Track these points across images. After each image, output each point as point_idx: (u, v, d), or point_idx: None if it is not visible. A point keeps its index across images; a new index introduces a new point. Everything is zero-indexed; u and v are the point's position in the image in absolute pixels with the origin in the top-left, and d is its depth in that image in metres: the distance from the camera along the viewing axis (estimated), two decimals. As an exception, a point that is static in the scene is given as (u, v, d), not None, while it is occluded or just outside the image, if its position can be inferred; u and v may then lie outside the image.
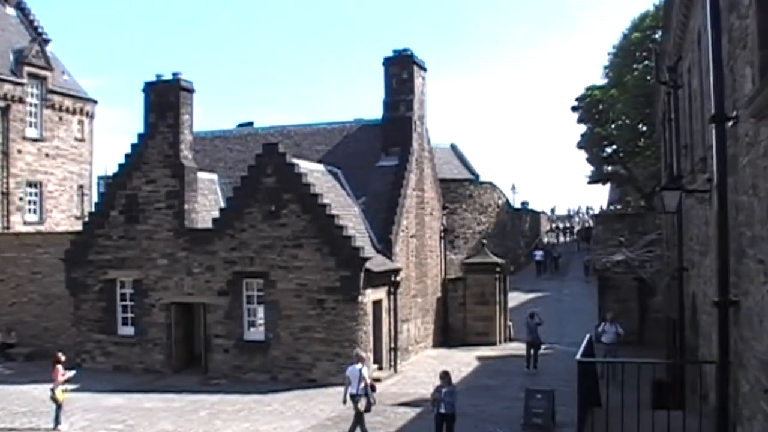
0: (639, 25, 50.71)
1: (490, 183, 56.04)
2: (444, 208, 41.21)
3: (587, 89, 55.58)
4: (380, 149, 34.85)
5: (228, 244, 30.42)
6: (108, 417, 24.12)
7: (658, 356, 27.22)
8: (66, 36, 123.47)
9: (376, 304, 30.54)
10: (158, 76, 32.23)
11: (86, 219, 35.48)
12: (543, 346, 32.53)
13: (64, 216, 44.49)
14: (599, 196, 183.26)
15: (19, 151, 41.64)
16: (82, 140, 46.11)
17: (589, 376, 16.52)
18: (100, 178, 51.63)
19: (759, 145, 8.53)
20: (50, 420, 22.65)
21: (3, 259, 36.67)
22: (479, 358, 34.30)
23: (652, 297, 35.21)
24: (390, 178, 33.80)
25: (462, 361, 33.39)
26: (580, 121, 56.40)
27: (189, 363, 31.92)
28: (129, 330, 32.31)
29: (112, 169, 35.23)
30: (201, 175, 33.42)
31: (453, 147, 59.39)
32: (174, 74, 32.06)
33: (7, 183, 41.04)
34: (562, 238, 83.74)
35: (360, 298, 28.92)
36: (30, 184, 42.42)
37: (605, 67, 56.18)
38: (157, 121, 31.90)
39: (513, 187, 70.11)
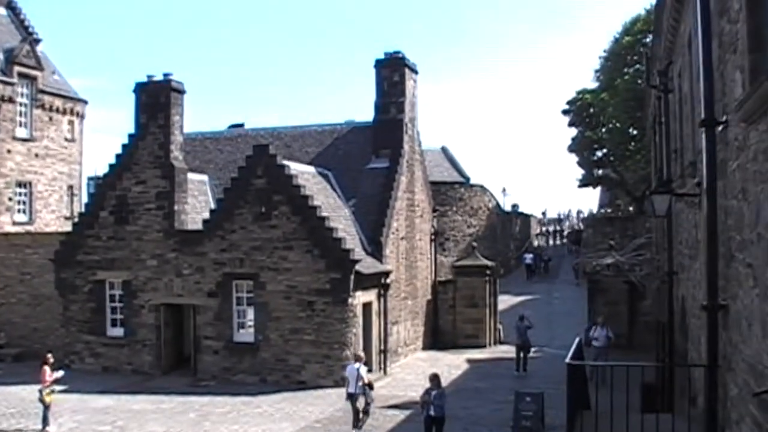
0: (630, 29, 50.83)
1: (481, 186, 56.07)
2: (434, 210, 41.23)
3: (578, 93, 55.68)
4: (371, 151, 34.85)
5: (218, 245, 30.38)
6: (97, 418, 24.06)
7: (647, 359, 27.31)
8: (57, 36, 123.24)
9: (366, 306, 30.53)
10: (149, 76, 32.19)
11: (76, 219, 35.40)
12: (532, 349, 32.57)
13: (53, 216, 44.33)
14: (590, 200, 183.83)
15: (9, 151, 41.47)
16: (72, 140, 45.95)
17: (579, 379, 16.53)
18: (89, 178, 51.51)
19: (748, 150, 8.55)
20: (39, 421, 22.58)
21: (-8, 259, 36.54)
22: (469, 361, 34.32)
23: (641, 300, 35.28)
24: (380, 181, 33.81)
25: (452, 364, 33.42)
26: (570, 124, 56.48)
27: (178, 364, 31.86)
28: (118, 331, 32.22)
29: (102, 170, 35.20)
30: (191, 176, 33.37)
31: (444, 150, 59.39)
32: (165, 75, 32.02)
33: (-3, 183, 40.90)
34: (552, 242, 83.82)
35: (350, 300, 28.90)
36: (19, 185, 42.25)
37: (596, 71, 56.35)
38: (147, 122, 31.85)
39: (503, 190, 70.33)
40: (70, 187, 45.81)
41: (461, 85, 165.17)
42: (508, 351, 34.64)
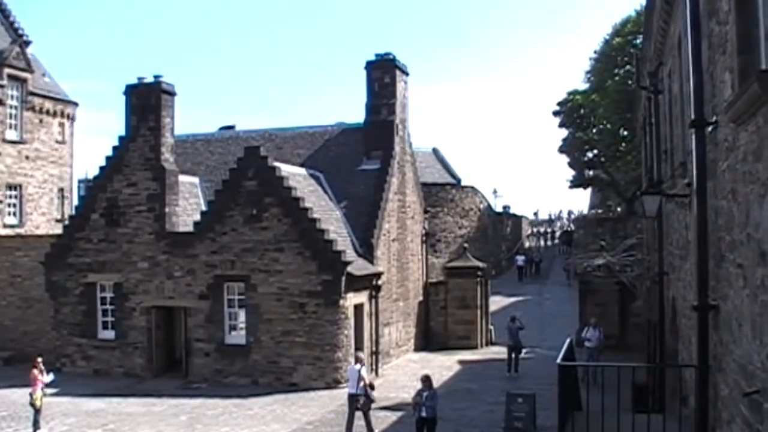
0: (620, 31, 50.89)
1: (472, 187, 56.11)
2: (426, 212, 41.25)
3: (569, 94, 55.71)
4: (362, 153, 34.87)
5: (209, 247, 30.35)
6: (88, 421, 24.01)
7: (638, 360, 27.37)
8: (47, 38, 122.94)
9: (358, 307, 30.52)
10: (140, 78, 32.14)
11: (66, 222, 35.30)
12: (524, 350, 32.61)
13: (44, 219, 44.20)
14: (581, 201, 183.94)
15: (-1, 153, 41.38)
16: (62, 143, 45.84)
17: (570, 380, 16.55)
18: (80, 181, 51.41)
19: (738, 150, 8.58)
20: (30, 425, 22.52)
21: (-18, 262, 36.41)
22: (460, 362, 34.33)
23: (632, 301, 35.32)
24: (372, 182, 33.81)
25: (443, 365, 33.43)
26: (561, 125, 56.51)
27: (169, 367, 31.80)
28: (109, 334, 32.15)
29: (92, 172, 35.08)
30: (182, 178, 33.33)
31: (435, 151, 59.47)
32: (155, 77, 31.97)
33: (-13, 186, 40.79)
34: (543, 243, 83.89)
35: (341, 301, 28.90)
36: (10, 187, 42.11)
37: (587, 72, 56.38)
38: (138, 124, 31.80)
39: (494, 191, 70.25)
40: (61, 190, 45.69)
41: (452, 87, 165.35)
42: (499, 352, 34.65)
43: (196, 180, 35.87)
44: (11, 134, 42.36)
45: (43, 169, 44.27)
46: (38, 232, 41.69)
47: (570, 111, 54.92)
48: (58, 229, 37.90)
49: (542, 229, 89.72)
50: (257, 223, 29.65)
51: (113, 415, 24.75)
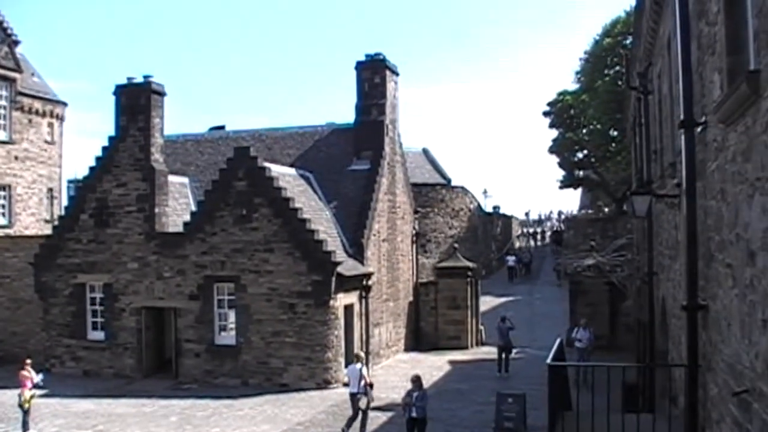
0: (610, 31, 50.98)
1: (462, 187, 56.12)
2: (416, 212, 41.26)
3: (559, 94, 55.77)
4: (352, 153, 34.87)
5: (199, 247, 30.30)
6: (77, 422, 23.93)
7: (628, 360, 27.43)
8: (36, 38, 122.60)
9: (348, 308, 30.52)
10: (129, 78, 32.05)
11: (56, 222, 35.20)
12: (514, 350, 32.64)
13: (33, 219, 44.04)
14: (571, 201, 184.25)
15: (-12, 154, 41.23)
16: (51, 143, 45.69)
17: (560, 380, 16.57)
18: (69, 181, 51.22)
19: (727, 151, 8.61)
20: (19, 426, 22.43)
21: (-29, 263, 36.25)
22: (451, 362, 34.35)
23: (622, 301, 35.39)
24: (362, 183, 33.82)
25: (433, 365, 33.44)
26: (551, 126, 56.57)
27: (159, 368, 31.73)
28: (99, 335, 32.07)
29: (82, 173, 34.97)
30: (172, 178, 33.27)
31: (425, 151, 59.47)
32: (145, 77, 31.89)
33: (-25, 186, 40.64)
34: (533, 243, 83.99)
35: (331, 302, 28.89)
36: (-2, 187, 41.97)
37: (577, 73, 56.45)
38: (127, 124, 31.72)
39: (485, 192, 70.22)
40: (50, 190, 45.53)
41: (442, 88, 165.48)
42: (489, 352, 34.69)
43: (185, 180, 35.81)
44: (0, 134, 42.20)
45: (32, 169, 44.11)
46: (27, 232, 41.53)
47: (560, 111, 54.98)
48: (47, 230, 37.81)
49: (532, 230, 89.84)
50: (247, 223, 29.62)
51: (103, 416, 24.68)
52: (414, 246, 40.16)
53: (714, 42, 9.32)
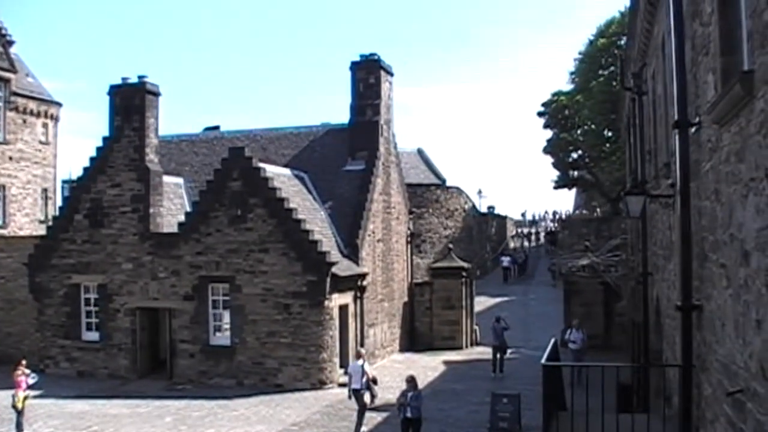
0: (605, 32, 51.06)
1: (457, 187, 56.11)
2: (410, 212, 41.28)
3: (553, 95, 55.84)
4: (347, 154, 34.87)
5: (194, 248, 30.27)
6: (72, 423, 23.89)
7: (623, 360, 27.47)
8: (31, 38, 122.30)
9: (343, 308, 30.52)
10: (124, 79, 32.01)
11: (50, 223, 35.09)
12: (509, 351, 32.62)
13: (27, 220, 43.95)
14: (565, 201, 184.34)
15: (-18, 154, 41.14)
16: (46, 143, 45.60)
17: (555, 380, 16.58)
18: (64, 181, 51.08)
19: (721, 151, 8.63)
20: (12, 427, 22.38)
21: (-35, 263, 36.17)
22: (446, 363, 34.36)
23: (617, 301, 35.40)
24: (356, 183, 33.83)
25: (428, 366, 33.45)
26: (546, 126, 56.64)
27: (154, 368, 31.70)
28: (93, 335, 32.02)
29: (76, 173, 34.96)
30: (167, 178, 33.25)
31: (420, 151, 59.46)
32: (140, 77, 31.85)
33: (-30, 187, 40.55)
34: (528, 243, 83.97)
35: (326, 302, 28.88)
36: (-7, 188, 41.88)
37: (571, 73, 56.52)
38: (122, 125, 31.68)
39: (479, 192, 70.19)
40: (45, 191, 45.45)
41: (436, 88, 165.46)
42: (484, 352, 34.71)
43: (180, 181, 35.79)
44: (-6, 135, 42.11)
45: (26, 169, 44.03)
46: (22, 233, 41.46)
47: (554, 112, 55.06)
48: (41, 230, 37.72)
49: (527, 230, 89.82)
50: (242, 223, 29.60)
51: (97, 417, 24.64)
52: (409, 246, 40.17)
53: (708, 42, 9.34)
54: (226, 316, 30.21)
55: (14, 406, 22.19)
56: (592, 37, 52.76)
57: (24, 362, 23.49)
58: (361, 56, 35.02)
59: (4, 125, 42.64)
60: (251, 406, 26.06)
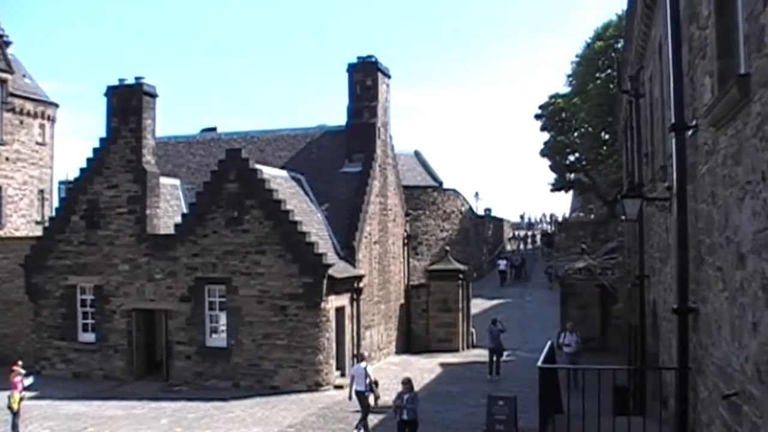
0: (602, 35, 51.14)
1: (454, 190, 56.15)
2: (407, 214, 41.26)
3: (550, 97, 55.88)
4: (344, 156, 34.86)
5: (190, 249, 30.25)
6: (68, 425, 23.85)
7: (619, 362, 27.46)
8: (28, 39, 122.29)
9: (339, 310, 30.50)
10: (121, 80, 31.98)
11: (47, 224, 35.09)
12: (505, 353, 32.61)
13: (24, 221, 43.95)
14: (562, 204, 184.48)
15: (-21, 155, 41.12)
16: (43, 144, 45.61)
17: (551, 383, 16.58)
18: (61, 182, 51.06)
19: (718, 154, 8.63)
20: (8, 428, 22.34)
21: (-39, 264, 36.14)
22: (442, 365, 34.35)
23: (613, 304, 35.46)
24: (353, 185, 33.82)
25: (425, 368, 33.44)
26: (543, 129, 56.67)
27: (150, 370, 31.66)
28: (89, 336, 31.99)
29: (73, 174, 34.90)
30: (163, 180, 33.22)
31: (417, 154, 59.52)
32: (137, 79, 31.84)
33: (-34, 187, 40.54)
34: (524, 246, 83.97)
35: (322, 304, 28.86)
36: (-11, 189, 41.86)
37: (568, 76, 56.59)
38: (119, 126, 31.66)
39: (476, 194, 70.26)
40: (41, 191, 45.46)
41: (434, 90, 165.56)
42: (481, 355, 34.68)
43: (177, 182, 35.76)
44: (-9, 136, 42.10)
45: (23, 170, 44.03)
46: (18, 234, 41.46)
47: (551, 114, 55.11)
48: (38, 231, 37.71)
49: (523, 233, 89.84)
50: (238, 225, 29.59)
51: (93, 419, 24.61)
52: (405, 248, 40.16)
53: (705, 45, 9.35)
54: (223, 318, 30.18)
55: (10, 407, 22.14)
56: (589, 40, 52.84)
57: (20, 363, 23.45)
58: (358, 58, 35.02)
59: (1, 126, 42.65)
60: (247, 408, 26.04)
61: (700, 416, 10.27)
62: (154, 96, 32.28)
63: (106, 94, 32.09)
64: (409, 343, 38.79)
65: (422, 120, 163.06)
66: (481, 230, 63.88)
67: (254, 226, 29.46)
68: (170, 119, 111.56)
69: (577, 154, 55.24)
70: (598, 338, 34.77)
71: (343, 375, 30.08)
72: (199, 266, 30.15)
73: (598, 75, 51.16)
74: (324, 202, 33.94)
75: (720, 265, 8.60)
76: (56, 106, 47.02)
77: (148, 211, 31.24)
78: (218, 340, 30.22)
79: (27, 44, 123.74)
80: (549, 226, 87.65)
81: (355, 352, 31.36)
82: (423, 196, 52.41)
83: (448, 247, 43.62)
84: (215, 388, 29.23)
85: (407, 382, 20.01)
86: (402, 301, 38.87)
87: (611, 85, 44.09)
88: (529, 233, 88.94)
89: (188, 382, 29.81)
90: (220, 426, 23.62)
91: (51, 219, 34.81)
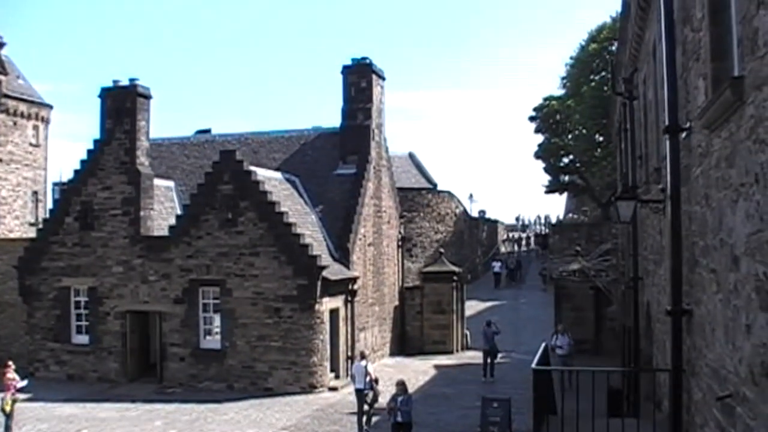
0: (596, 37, 51.25)
1: (448, 192, 56.17)
2: (401, 216, 41.27)
3: (545, 99, 56.01)
4: (338, 157, 34.85)
5: (184, 251, 30.21)
6: (61, 427, 23.82)
7: (613, 364, 27.44)
8: (21, 40, 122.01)
9: (333, 312, 30.48)
10: (115, 81, 31.96)
11: (40, 226, 35.04)
12: (500, 355, 32.60)
13: (17, 222, 43.88)
14: (556, 206, 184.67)
15: (-28, 157, 41.06)
16: (36, 146, 45.55)
17: (545, 385, 16.60)
18: (54, 184, 51.05)
19: (711, 156, 8.65)
20: (1, 431, 22.29)
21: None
22: (436, 367, 34.34)
23: (608, 305, 35.44)
24: (348, 187, 33.80)
25: (419, 370, 33.42)
26: (537, 131, 56.81)
27: (144, 372, 31.61)
28: (83, 338, 31.93)
29: (67, 176, 34.88)
30: (157, 181, 33.18)
31: (411, 156, 59.48)
32: (131, 80, 31.80)
33: (-41, 189, 40.47)
34: (518, 248, 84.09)
35: (317, 306, 28.84)
36: (-17, 190, 41.79)
37: (562, 78, 56.70)
38: (113, 127, 31.62)
39: (470, 196, 70.33)
40: (35, 193, 45.40)
41: (428, 92, 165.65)
42: (475, 357, 34.68)
43: (171, 184, 35.72)
44: (-16, 137, 42.03)
45: (16, 172, 43.96)
46: (12, 235, 41.39)
47: (546, 117, 55.23)
48: (31, 233, 37.71)
49: (517, 235, 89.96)
50: (233, 227, 29.56)
51: (87, 421, 24.57)
52: (400, 250, 40.16)
53: (699, 48, 9.37)
54: (217, 320, 30.15)
55: (3, 409, 22.12)
56: (583, 42, 52.97)
57: (11, 365, 23.40)
58: (353, 60, 35.01)
59: (-5, 127, 42.54)
60: (241, 410, 26.01)
61: (693, 418, 10.29)
62: (148, 97, 32.25)
63: (100, 96, 32.05)
64: (404, 345, 38.77)
65: (416, 122, 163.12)
66: (475, 232, 63.92)
67: (248, 227, 29.43)
68: (164, 121, 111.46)
69: (571, 156, 55.35)
70: (592, 340, 34.75)
71: (337, 377, 30.09)
72: (193, 268, 30.12)
73: (592, 77, 51.29)
74: (318, 204, 33.92)
75: (714, 267, 8.62)
76: (50, 107, 46.97)
77: (142, 213, 31.20)
78: (212, 342, 30.17)
79: (21, 45, 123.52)
80: (543, 228, 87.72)
81: (349, 354, 31.40)
82: (417, 198, 52.43)
83: (442, 249, 43.60)
84: (209, 390, 29.19)
85: (401, 384, 20.03)
86: (396, 303, 38.86)
87: (605, 88, 44.21)
88: (524, 235, 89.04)
89: (182, 384, 29.77)
90: (214, 428, 23.59)
91: (45, 220, 34.76)
